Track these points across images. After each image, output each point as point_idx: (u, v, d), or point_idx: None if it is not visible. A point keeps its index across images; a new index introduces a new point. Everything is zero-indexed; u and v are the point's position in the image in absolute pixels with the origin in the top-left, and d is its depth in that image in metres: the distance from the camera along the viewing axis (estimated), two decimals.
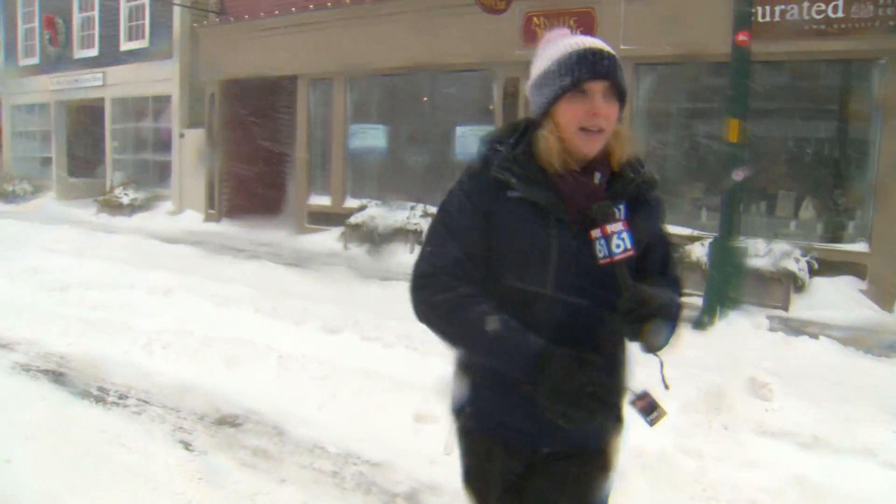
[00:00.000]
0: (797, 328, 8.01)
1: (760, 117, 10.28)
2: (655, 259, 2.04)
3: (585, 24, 11.56)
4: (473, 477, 2.12)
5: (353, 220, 14.14)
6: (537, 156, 1.91)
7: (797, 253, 9.37)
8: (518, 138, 1.96)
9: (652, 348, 1.88)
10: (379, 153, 15.54)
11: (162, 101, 20.58)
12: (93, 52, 22.74)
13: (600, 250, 1.87)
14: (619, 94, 1.90)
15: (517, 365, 1.82)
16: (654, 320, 1.82)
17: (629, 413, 1.99)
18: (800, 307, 9.06)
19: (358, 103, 15.85)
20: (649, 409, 1.89)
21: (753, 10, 8.45)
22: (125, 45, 21.38)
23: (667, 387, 1.98)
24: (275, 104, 18.12)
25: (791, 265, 9.19)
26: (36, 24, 25.13)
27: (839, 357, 6.90)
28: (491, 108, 13.23)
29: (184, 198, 19.63)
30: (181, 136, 19.69)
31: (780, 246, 9.44)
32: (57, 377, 5.95)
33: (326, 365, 5.94)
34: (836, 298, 9.16)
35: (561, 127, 1.89)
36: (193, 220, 18.63)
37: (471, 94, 13.97)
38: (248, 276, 10.34)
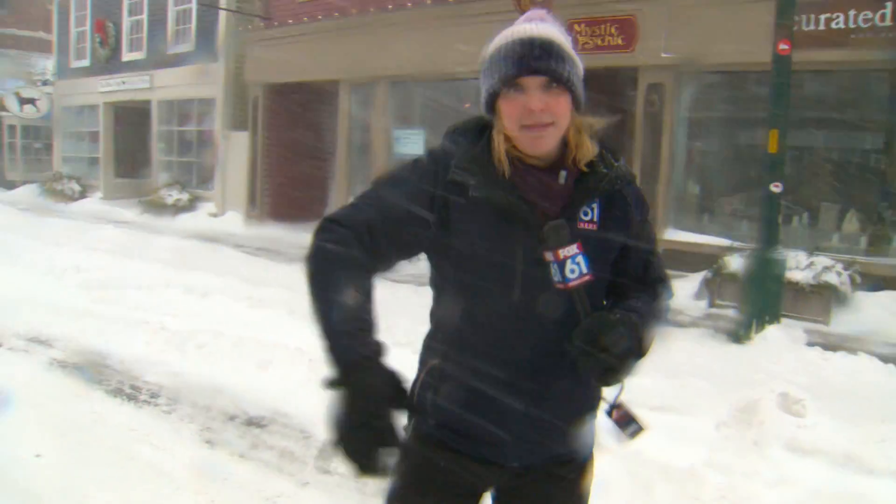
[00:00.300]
0: (836, 343, 7.85)
1: (803, 127, 10.13)
2: (635, 261, 1.88)
3: (627, 32, 11.50)
4: (416, 496, 1.90)
5: None
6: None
7: (839, 266, 9.19)
8: (479, 134, 1.79)
9: (608, 383, 1.74)
10: None
11: (206, 104, 20.86)
12: (141, 55, 23.14)
13: (555, 275, 1.71)
14: (568, 84, 1.69)
15: (330, 355, 1.56)
16: (613, 352, 1.65)
17: (603, 428, 1.87)
18: (840, 322, 8.88)
19: (399, 108, 15.91)
20: (625, 421, 1.78)
21: (797, 19, 8.33)
22: (172, 49, 21.72)
23: (611, 414, 1.82)
24: (318, 108, 18.27)
25: (832, 279, 9.02)
26: (87, 27, 25.63)
27: (878, 374, 6.75)
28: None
29: (226, 199, 19.86)
30: (225, 138, 19.93)
31: (822, 259, 9.27)
32: (92, 374, 6.05)
33: None
34: (879, 314, 8.96)
35: (505, 126, 1.73)
36: (235, 221, 18.83)
37: None
38: (285, 278, 10.41)
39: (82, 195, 24.74)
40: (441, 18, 13.85)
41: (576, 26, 12.02)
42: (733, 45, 9.97)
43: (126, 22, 23.71)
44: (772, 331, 7.72)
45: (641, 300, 1.83)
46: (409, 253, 1.79)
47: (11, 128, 30.35)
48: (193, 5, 20.80)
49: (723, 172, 11.91)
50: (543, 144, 1.72)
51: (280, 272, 11.15)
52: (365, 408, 1.50)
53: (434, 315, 1.93)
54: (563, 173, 1.76)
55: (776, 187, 7.73)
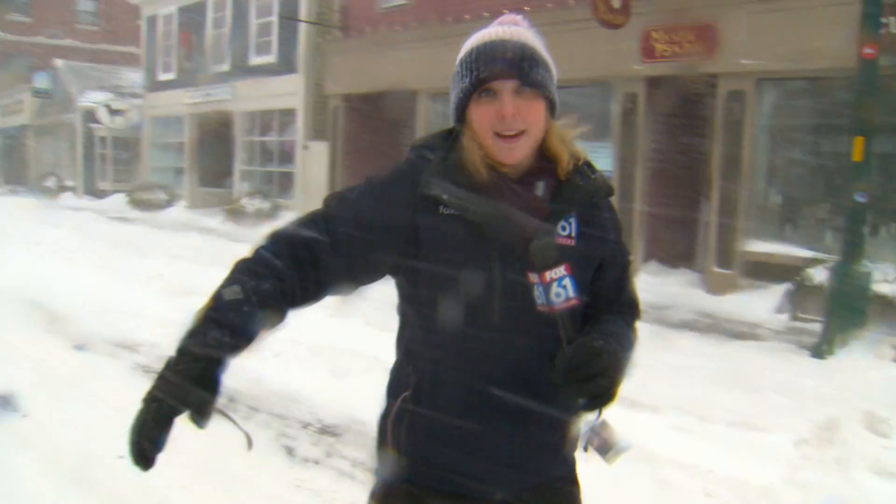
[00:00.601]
0: None
1: (892, 134, 9.79)
2: (609, 282, 1.77)
3: (706, 39, 11.31)
4: None
5: None
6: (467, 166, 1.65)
7: None
8: (449, 147, 1.69)
9: (593, 410, 1.61)
10: None
11: (287, 115, 21.28)
12: (224, 66, 23.76)
13: (538, 297, 1.61)
14: (542, 89, 1.63)
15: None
16: (597, 381, 1.55)
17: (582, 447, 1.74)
18: None
19: None
20: (606, 446, 1.65)
21: (884, 21, 8.09)
22: (254, 61, 22.27)
23: (591, 440, 1.66)
24: (396, 118, 18.45)
25: None
26: (174, 41, 26.46)
27: None
28: (612, 123, 13.04)
29: (307, 208, 20.04)
30: (305, 148, 20.28)
31: None
32: None
33: None
34: None
35: (476, 134, 1.64)
36: None
37: (589, 109, 13.83)
38: (362, 288, 10.53)
39: (168, 204, 25.48)
40: None
41: (653, 34, 11.89)
42: (816, 49, 9.72)
43: (210, 35, 24.39)
44: (856, 346, 7.49)
45: (616, 324, 1.73)
46: (367, 275, 1.71)
47: (102, 139, 31.49)
48: (274, 18, 21.29)
49: (806, 181, 11.61)
50: (517, 154, 1.64)
51: None
52: (154, 397, 1.45)
53: (402, 343, 1.82)
54: (540, 184, 1.67)
55: (861, 197, 7.51)
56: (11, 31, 39.55)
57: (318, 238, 1.61)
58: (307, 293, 1.64)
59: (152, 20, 28.05)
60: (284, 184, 21.86)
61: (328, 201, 1.71)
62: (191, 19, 25.22)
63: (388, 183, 1.69)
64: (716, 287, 11.16)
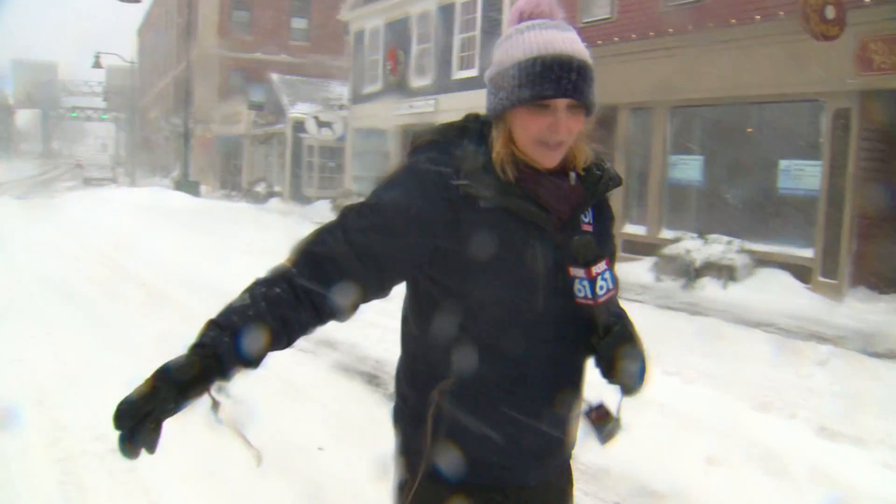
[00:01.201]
0: None
1: None
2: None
3: None
4: None
5: (667, 251, 13.83)
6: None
7: None
8: (476, 142, 1.72)
9: (630, 393, 1.73)
10: (696, 184, 15.17)
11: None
12: (427, 80, 24.50)
13: (580, 291, 1.66)
14: (593, 109, 1.70)
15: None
16: (637, 365, 1.70)
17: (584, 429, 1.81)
18: None
19: (677, 133, 15.57)
20: (603, 422, 1.72)
21: None
22: (456, 75, 22.82)
23: (590, 414, 1.75)
24: (592, 132, 18.31)
25: None
26: (380, 55, 27.58)
27: None
28: (821, 140, 12.40)
29: None
30: None
31: None
32: (371, 379, 6.49)
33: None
34: None
35: (515, 136, 1.68)
36: None
37: (796, 125, 13.23)
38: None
39: None
40: (723, 42, 13.40)
41: (871, 44, 11.17)
42: None
43: (414, 49, 25.23)
44: None
45: (621, 307, 1.85)
46: (398, 277, 1.72)
47: (310, 148, 33.34)
48: (478, 32, 21.75)
49: None
50: (555, 161, 1.71)
51: None
52: (153, 381, 1.42)
53: (426, 346, 1.78)
54: (572, 174, 1.76)
55: None
56: (233, 49, 42.71)
57: (340, 251, 1.60)
58: (332, 305, 1.60)
59: (360, 35, 29.35)
60: None
61: (348, 212, 1.67)
62: (396, 34, 26.22)
63: (417, 183, 1.67)
64: None
